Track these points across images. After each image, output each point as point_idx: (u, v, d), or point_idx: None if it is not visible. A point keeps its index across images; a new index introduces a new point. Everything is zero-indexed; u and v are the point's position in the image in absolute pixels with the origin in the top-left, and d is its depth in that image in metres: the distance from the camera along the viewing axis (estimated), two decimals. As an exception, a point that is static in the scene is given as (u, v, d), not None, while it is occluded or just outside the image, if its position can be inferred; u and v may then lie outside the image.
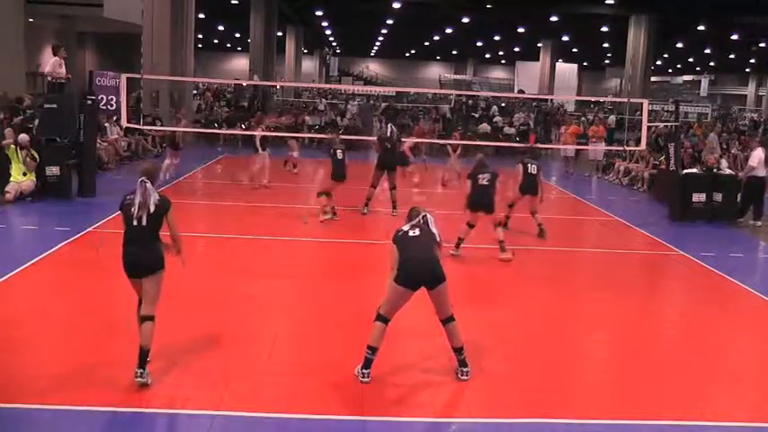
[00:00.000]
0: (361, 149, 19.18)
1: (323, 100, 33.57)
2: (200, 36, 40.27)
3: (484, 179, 8.91)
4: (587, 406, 5.20)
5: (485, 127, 25.29)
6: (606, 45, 43.59)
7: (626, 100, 23.59)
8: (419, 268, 5.16)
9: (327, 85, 46.96)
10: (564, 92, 44.57)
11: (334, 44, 56.56)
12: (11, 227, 10.16)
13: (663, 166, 14.51)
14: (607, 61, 50.50)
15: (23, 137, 11.57)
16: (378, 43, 53.93)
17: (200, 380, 5.19)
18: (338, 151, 10.95)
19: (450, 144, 16.32)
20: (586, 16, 31.78)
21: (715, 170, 13.12)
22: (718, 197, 12.66)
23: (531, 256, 9.58)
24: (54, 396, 4.78)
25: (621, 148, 17.83)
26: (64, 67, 12.42)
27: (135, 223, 5.05)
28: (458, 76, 62.22)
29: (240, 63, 52.42)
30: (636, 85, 31.50)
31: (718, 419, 4.99)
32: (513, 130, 25.32)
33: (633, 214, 13.10)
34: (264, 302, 7.08)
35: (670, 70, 58.50)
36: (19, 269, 7.58)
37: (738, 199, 12.74)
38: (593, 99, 40.63)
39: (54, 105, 12.10)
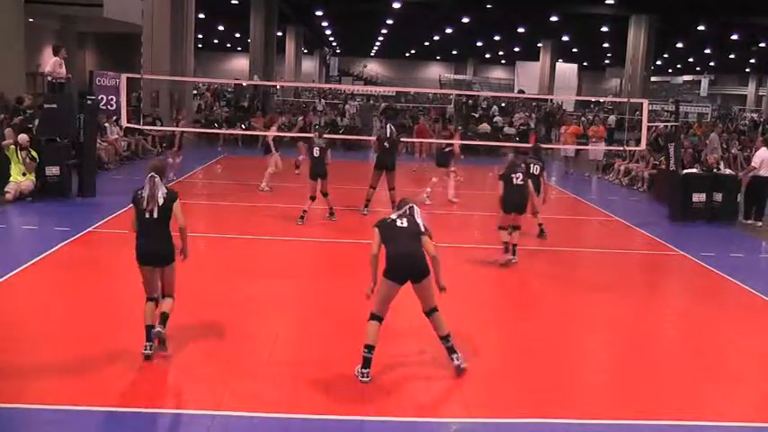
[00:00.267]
0: (361, 150, 19.19)
1: (321, 100, 33.58)
2: (200, 36, 40.26)
3: (518, 179, 8.79)
4: (587, 406, 5.20)
5: (485, 127, 25.29)
6: (606, 45, 43.58)
7: (626, 100, 23.59)
8: (405, 263, 5.30)
9: (327, 85, 47.01)
10: (564, 92, 44.58)
11: (334, 44, 56.57)
12: (11, 227, 10.16)
13: (663, 166, 14.51)
14: (607, 61, 50.46)
15: (23, 137, 11.57)
16: (378, 43, 53.93)
17: (200, 380, 5.19)
18: (315, 149, 10.76)
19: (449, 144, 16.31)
20: (586, 16, 31.77)
21: (715, 170, 13.12)
22: (719, 197, 12.65)
23: (531, 257, 9.57)
24: (54, 396, 4.78)
25: (621, 148, 17.84)
26: (64, 67, 12.42)
27: (147, 216, 5.38)
28: (458, 76, 62.24)
29: (240, 63, 52.43)
30: (636, 85, 31.52)
31: (718, 419, 4.99)
32: (513, 130, 25.33)
33: (633, 214, 13.11)
34: (265, 302, 7.08)
35: (670, 70, 58.49)
36: (19, 269, 7.58)
37: (738, 199, 12.74)
38: (593, 99, 40.60)
39: (54, 105, 12.09)
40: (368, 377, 5.21)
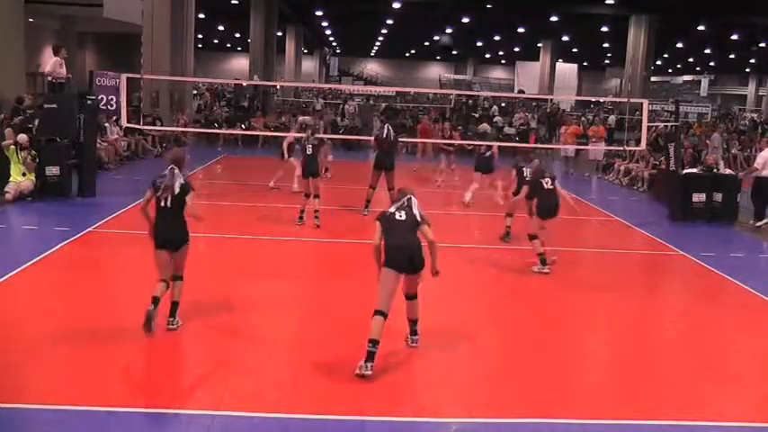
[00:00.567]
0: (361, 150, 19.18)
1: (320, 100, 33.57)
2: (200, 36, 40.27)
3: (548, 183, 8.71)
4: (587, 406, 5.20)
5: (485, 127, 25.25)
6: (606, 45, 43.60)
7: (626, 100, 23.58)
8: (402, 255, 5.46)
9: (327, 85, 47.02)
10: (564, 92, 44.58)
11: (334, 44, 56.57)
12: (11, 227, 10.16)
13: (663, 166, 14.51)
14: (607, 61, 50.48)
15: (23, 137, 11.57)
16: (378, 43, 53.93)
17: (200, 380, 5.19)
18: (308, 147, 10.66)
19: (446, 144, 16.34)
20: (586, 16, 31.79)
21: (715, 170, 13.12)
22: (719, 197, 12.63)
23: (531, 257, 9.55)
24: (54, 396, 4.78)
25: (621, 148, 17.83)
26: (64, 67, 12.43)
27: (162, 204, 5.82)
28: (458, 76, 62.24)
29: (240, 63, 52.44)
30: (636, 85, 31.52)
31: (718, 419, 4.99)
32: (513, 130, 25.31)
33: (633, 214, 13.10)
34: (264, 302, 7.07)
35: (670, 70, 58.49)
36: (19, 269, 7.56)
37: (738, 199, 12.72)
38: (593, 99, 40.59)
39: (54, 105, 12.08)
40: (371, 369, 5.21)
